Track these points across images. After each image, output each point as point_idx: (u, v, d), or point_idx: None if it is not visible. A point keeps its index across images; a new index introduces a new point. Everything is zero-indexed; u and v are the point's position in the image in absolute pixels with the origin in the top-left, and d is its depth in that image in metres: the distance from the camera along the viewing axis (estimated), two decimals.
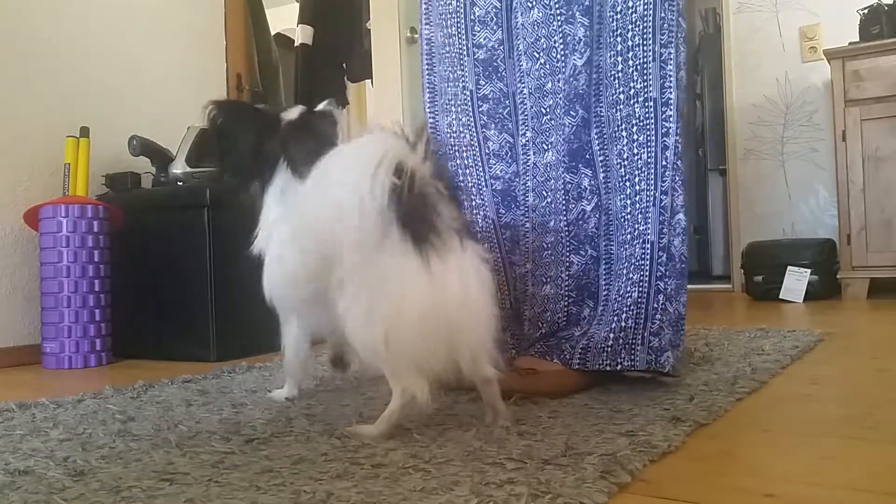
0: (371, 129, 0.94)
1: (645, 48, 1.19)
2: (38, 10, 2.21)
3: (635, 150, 1.20)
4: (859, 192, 3.11)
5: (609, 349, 1.19)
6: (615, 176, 1.21)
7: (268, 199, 1.26)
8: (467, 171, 1.35)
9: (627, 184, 1.20)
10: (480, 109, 1.35)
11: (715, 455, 0.88)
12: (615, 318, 1.20)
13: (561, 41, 1.22)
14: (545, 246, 1.25)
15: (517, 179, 1.32)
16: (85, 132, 2.13)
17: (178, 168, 2.18)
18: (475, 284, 0.94)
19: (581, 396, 1.18)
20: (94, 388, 1.46)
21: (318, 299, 1.07)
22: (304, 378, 1.32)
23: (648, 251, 1.20)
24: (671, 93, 1.20)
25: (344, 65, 3.56)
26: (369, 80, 3.67)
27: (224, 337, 2.01)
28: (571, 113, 1.22)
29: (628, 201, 1.20)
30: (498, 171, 1.33)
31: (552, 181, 1.25)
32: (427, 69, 1.41)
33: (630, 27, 1.19)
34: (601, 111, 1.21)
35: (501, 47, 1.37)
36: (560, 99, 1.23)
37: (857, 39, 3.19)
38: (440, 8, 1.39)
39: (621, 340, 1.19)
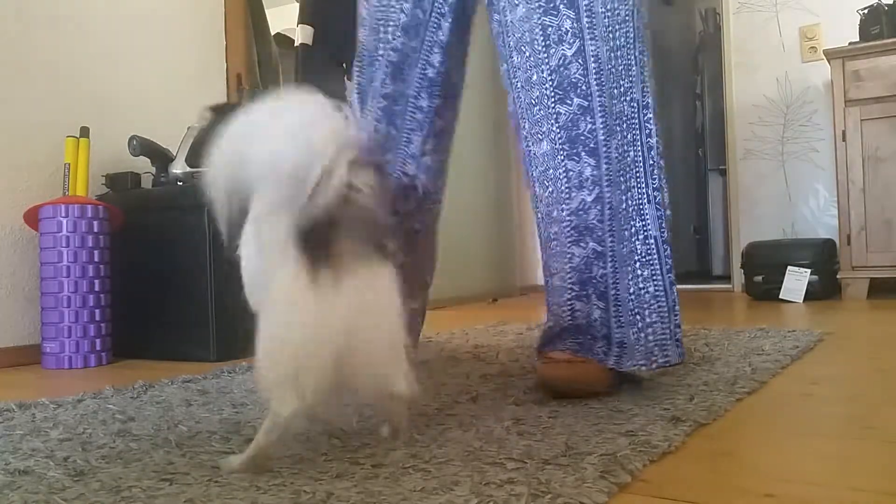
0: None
1: (629, 50, 1.23)
2: (38, 11, 2.21)
3: (625, 147, 1.22)
4: (859, 192, 3.11)
5: (641, 348, 1.20)
6: (615, 168, 1.22)
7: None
8: None
9: (621, 178, 1.22)
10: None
11: (715, 455, 0.88)
12: (637, 317, 1.20)
13: (541, 33, 1.23)
14: (551, 236, 1.26)
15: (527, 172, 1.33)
16: (85, 132, 2.13)
17: (178, 168, 2.18)
18: (373, 305, 0.86)
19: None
20: (94, 388, 1.46)
21: None
22: None
23: (653, 246, 1.22)
24: (649, 98, 1.25)
25: (344, 65, 3.57)
26: None
27: (224, 337, 2.01)
28: (567, 101, 1.22)
29: (623, 196, 1.22)
30: None
31: (551, 171, 1.25)
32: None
33: (617, 27, 1.23)
34: (604, 101, 1.22)
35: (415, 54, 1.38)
36: (547, 89, 1.24)
37: (857, 39, 3.19)
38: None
39: (651, 337, 1.20)
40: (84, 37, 2.33)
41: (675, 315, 1.23)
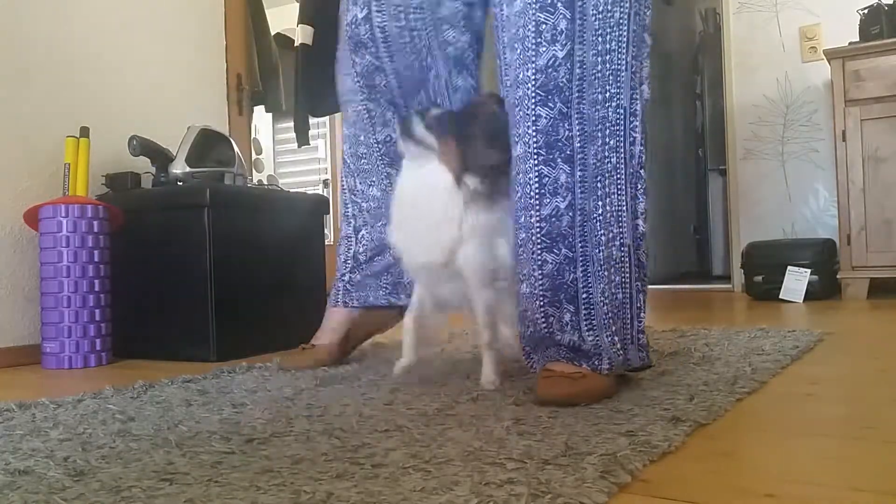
0: None
1: (619, 54, 1.20)
2: (38, 11, 2.21)
3: (606, 153, 1.20)
4: (859, 192, 3.11)
5: (613, 351, 1.20)
6: (590, 175, 1.20)
7: None
8: None
9: (599, 185, 1.20)
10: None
11: (715, 455, 0.88)
12: (609, 321, 1.20)
13: (533, 30, 1.19)
14: (519, 242, 1.24)
15: None
16: (85, 132, 2.13)
17: (178, 168, 2.18)
18: None
19: None
20: (94, 388, 1.46)
21: None
22: None
23: (626, 254, 1.21)
24: (638, 105, 1.23)
25: None
26: None
27: (224, 337, 2.01)
28: (549, 105, 1.19)
29: (600, 203, 1.20)
30: None
31: (520, 175, 1.23)
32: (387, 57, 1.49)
33: (609, 31, 1.19)
34: (584, 108, 1.19)
35: (471, 48, 1.52)
36: (530, 90, 1.20)
37: (857, 39, 3.19)
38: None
39: (617, 340, 1.20)
40: (84, 37, 2.33)
41: (640, 321, 1.23)
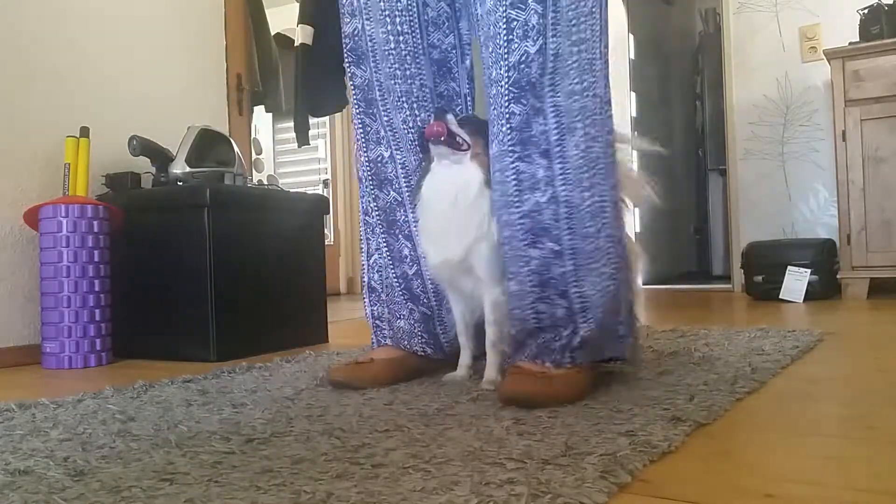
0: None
1: (593, 43, 1.20)
2: (39, 11, 2.21)
3: (589, 144, 1.20)
4: (859, 192, 3.11)
5: (595, 343, 1.20)
6: (573, 167, 1.19)
7: None
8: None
9: (584, 175, 1.19)
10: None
11: (715, 455, 0.88)
12: (600, 313, 1.20)
13: (504, 27, 1.19)
14: (503, 241, 1.24)
15: None
16: (85, 132, 2.13)
17: (178, 168, 2.18)
18: None
19: None
20: (94, 388, 1.46)
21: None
22: None
23: (613, 244, 1.21)
24: (610, 94, 1.23)
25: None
26: None
27: (224, 337, 2.01)
28: (522, 101, 1.18)
29: (586, 193, 1.19)
30: None
31: (498, 173, 1.23)
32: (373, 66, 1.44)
33: (582, 20, 1.19)
34: (559, 101, 1.18)
35: (454, 51, 1.48)
36: (503, 87, 1.20)
37: (857, 39, 3.19)
38: (382, 4, 1.41)
39: (604, 332, 1.21)
40: (84, 37, 2.33)
41: (621, 314, 1.23)
